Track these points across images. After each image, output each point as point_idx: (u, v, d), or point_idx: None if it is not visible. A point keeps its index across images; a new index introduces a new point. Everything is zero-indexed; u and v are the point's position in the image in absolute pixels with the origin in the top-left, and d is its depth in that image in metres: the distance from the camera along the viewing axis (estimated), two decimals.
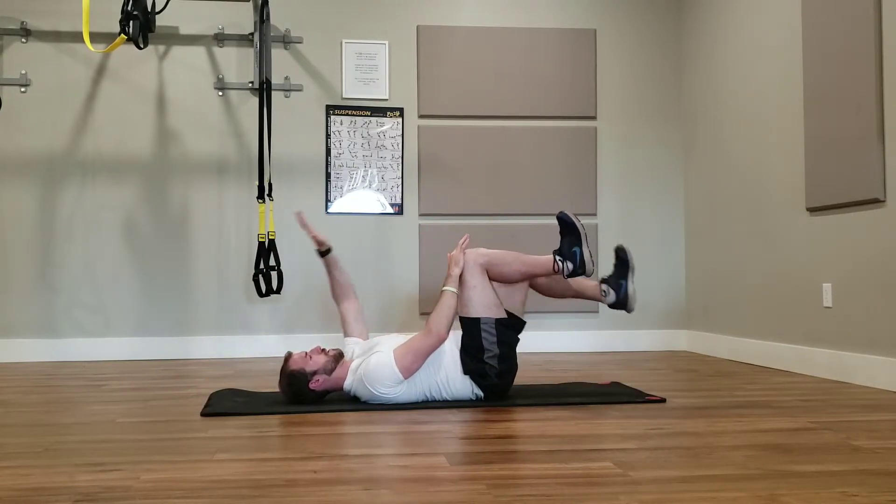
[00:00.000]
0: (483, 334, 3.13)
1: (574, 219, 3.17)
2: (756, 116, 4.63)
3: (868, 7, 3.59)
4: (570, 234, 3.17)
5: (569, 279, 3.22)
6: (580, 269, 3.14)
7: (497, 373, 3.14)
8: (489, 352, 3.12)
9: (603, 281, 3.31)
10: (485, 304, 3.16)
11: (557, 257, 3.17)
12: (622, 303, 3.26)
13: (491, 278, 3.24)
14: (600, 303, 3.34)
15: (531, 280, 3.34)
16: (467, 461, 2.19)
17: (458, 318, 3.28)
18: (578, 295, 3.38)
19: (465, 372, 3.13)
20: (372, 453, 2.30)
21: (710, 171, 5.22)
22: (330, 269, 3.55)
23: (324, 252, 3.51)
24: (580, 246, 3.12)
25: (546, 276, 3.31)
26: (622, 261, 3.30)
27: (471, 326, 3.15)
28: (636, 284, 3.31)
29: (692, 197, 5.50)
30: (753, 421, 2.73)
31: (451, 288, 3.14)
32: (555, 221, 3.27)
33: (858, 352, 3.69)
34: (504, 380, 3.18)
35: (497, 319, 3.16)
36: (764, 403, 3.12)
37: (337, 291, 3.56)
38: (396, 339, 3.23)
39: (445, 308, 3.09)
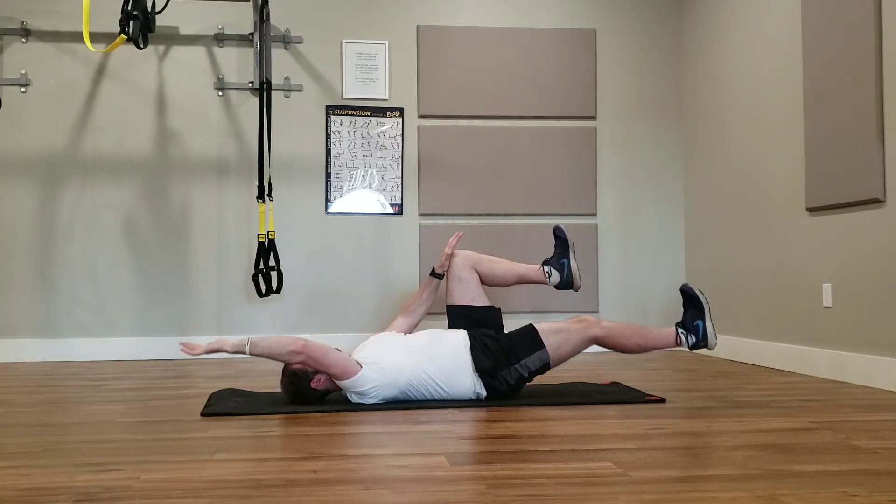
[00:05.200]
0: (534, 356, 3.14)
1: (698, 292, 3.20)
2: (756, 116, 4.63)
3: (868, 7, 3.59)
4: (693, 307, 3.20)
5: (510, 266, 3.43)
6: (703, 343, 3.17)
7: (510, 385, 3.16)
8: (521, 369, 3.14)
9: (545, 263, 3.45)
10: (559, 348, 3.17)
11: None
12: (567, 282, 3.40)
13: (483, 281, 3.44)
14: (545, 285, 3.45)
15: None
16: (467, 461, 2.19)
17: (453, 316, 3.37)
18: (522, 280, 3.47)
19: (477, 369, 3.13)
20: (372, 453, 2.30)
21: (710, 171, 5.22)
22: (428, 287, 3.55)
23: (439, 275, 3.52)
24: (703, 318, 3.17)
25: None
26: (561, 240, 3.46)
27: (533, 341, 3.16)
28: (578, 262, 3.45)
29: (692, 197, 5.50)
30: (753, 421, 2.73)
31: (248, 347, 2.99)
32: (554, 222, 3.33)
33: (858, 352, 3.69)
34: (512, 391, 3.19)
35: (549, 362, 3.18)
36: (764, 403, 3.12)
37: (411, 306, 3.55)
38: (388, 336, 3.31)
39: (269, 350, 3.00)
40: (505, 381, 3.14)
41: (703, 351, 5.07)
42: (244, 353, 2.95)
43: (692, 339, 3.14)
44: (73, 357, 5.10)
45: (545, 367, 3.18)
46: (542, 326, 3.20)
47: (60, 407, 3.18)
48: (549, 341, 3.15)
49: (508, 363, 3.14)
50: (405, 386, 3.08)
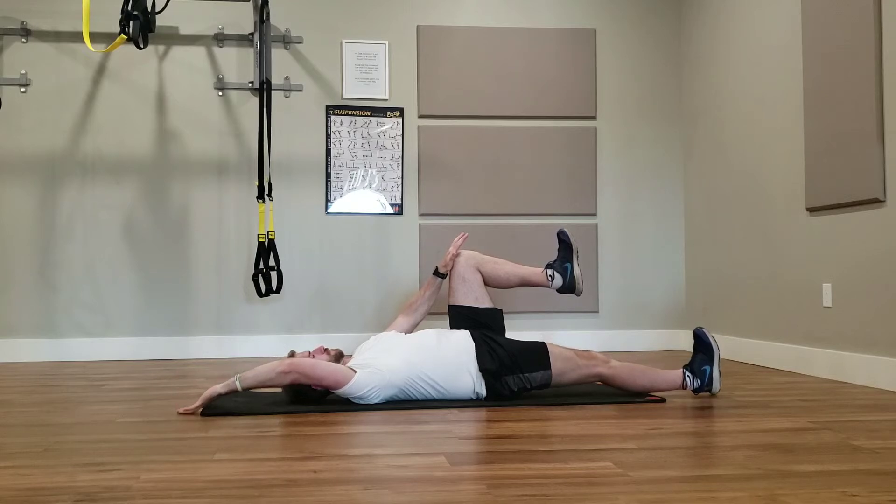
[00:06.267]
0: (538, 374, 3.15)
1: (711, 338, 3.23)
2: (756, 116, 4.63)
3: (868, 7, 3.59)
4: (703, 352, 3.23)
5: (514, 268, 3.45)
6: (569, 287, 3.27)
7: (512, 390, 3.16)
8: (524, 381, 3.15)
9: (548, 266, 3.46)
10: (563, 374, 3.19)
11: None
12: (570, 287, 3.41)
13: (486, 283, 3.45)
14: (546, 288, 3.48)
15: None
16: (467, 461, 2.19)
17: (455, 317, 3.38)
18: (524, 282, 3.48)
19: (482, 369, 3.13)
20: (372, 453, 2.30)
21: (710, 171, 5.22)
22: (430, 286, 3.56)
23: (442, 274, 3.52)
24: (711, 363, 3.20)
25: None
26: (565, 244, 3.47)
27: (540, 358, 3.17)
28: (581, 267, 3.50)
29: (692, 197, 5.50)
30: (753, 421, 2.73)
31: (238, 385, 2.96)
32: (554, 221, 3.33)
33: (858, 352, 3.69)
34: (514, 396, 3.19)
35: (549, 382, 3.19)
36: (764, 403, 3.12)
37: (413, 305, 3.55)
38: (388, 335, 3.31)
39: (257, 379, 2.96)
40: (507, 386, 3.14)
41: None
42: (237, 389, 2.93)
43: (697, 382, 3.19)
44: (73, 357, 5.10)
45: (545, 385, 3.20)
46: (553, 350, 3.20)
47: (60, 407, 3.18)
48: (556, 365, 3.16)
49: (512, 371, 3.14)
50: (403, 385, 3.08)
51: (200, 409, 2.94)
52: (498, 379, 3.13)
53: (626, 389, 3.27)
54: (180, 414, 2.95)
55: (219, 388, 2.96)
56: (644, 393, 3.27)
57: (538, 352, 3.18)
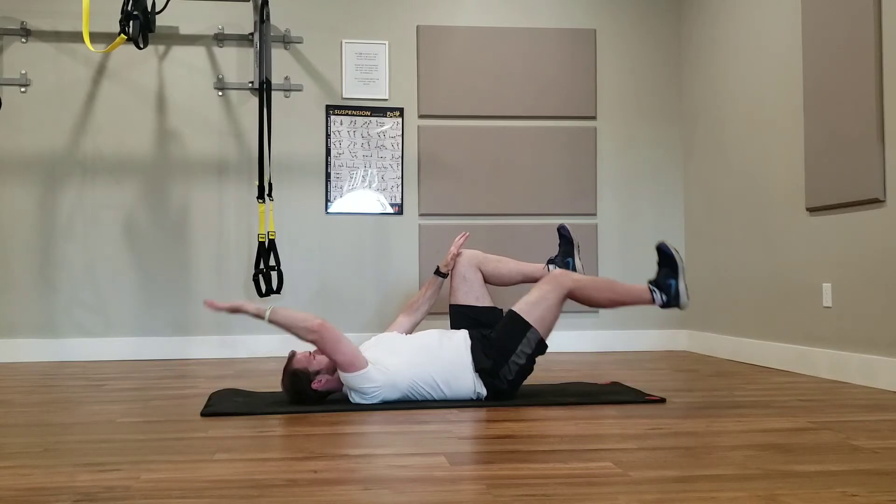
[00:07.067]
0: (524, 340, 3.14)
1: (674, 251, 3.23)
2: (756, 116, 4.63)
3: (868, 7, 3.59)
4: (667, 265, 3.21)
5: (516, 265, 3.48)
6: (674, 302, 3.20)
7: (510, 381, 3.15)
8: (518, 358, 3.13)
9: (550, 261, 3.49)
10: (544, 319, 3.17)
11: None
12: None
13: (487, 281, 3.46)
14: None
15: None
16: (467, 461, 2.19)
17: (456, 316, 3.38)
18: (526, 279, 3.49)
19: (478, 369, 3.12)
20: (372, 453, 2.30)
21: (710, 171, 5.22)
22: (431, 286, 3.56)
23: (443, 274, 3.53)
24: (677, 278, 3.19)
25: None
26: (566, 238, 3.52)
27: (516, 325, 3.15)
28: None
29: (692, 197, 5.50)
30: (753, 421, 2.73)
31: (268, 313, 3.02)
32: (554, 221, 3.34)
33: (858, 352, 3.69)
34: (513, 387, 3.18)
35: (542, 338, 3.19)
36: (764, 403, 3.12)
37: (414, 305, 3.55)
38: (389, 336, 3.31)
39: (288, 321, 3.01)
40: (505, 379, 3.14)
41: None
42: (263, 318, 2.98)
43: (664, 297, 3.16)
44: (73, 357, 5.10)
45: (540, 344, 3.17)
46: (521, 306, 3.18)
47: (60, 407, 3.18)
48: (533, 317, 3.15)
49: (505, 358, 3.13)
50: (407, 389, 3.09)
51: (224, 310, 3.01)
52: (495, 375, 3.13)
53: (594, 303, 3.27)
54: (206, 304, 3.01)
55: (250, 307, 3.01)
56: (610, 306, 3.30)
57: (513, 321, 3.17)
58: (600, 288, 3.27)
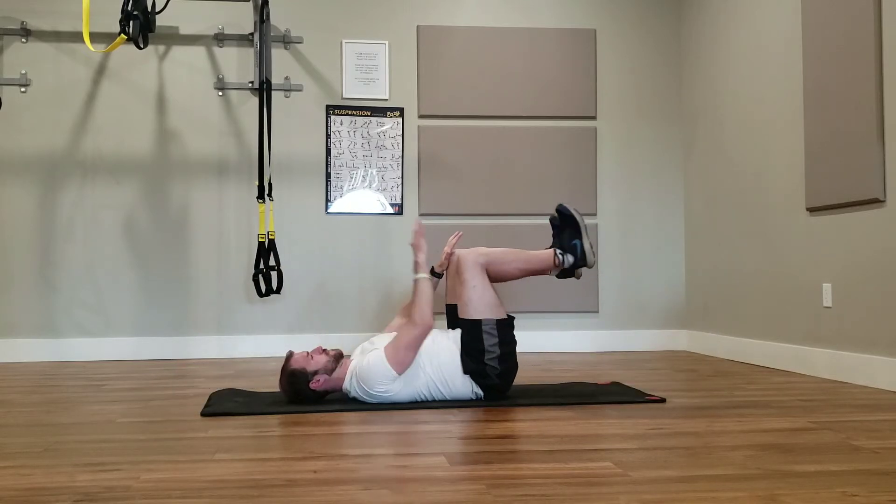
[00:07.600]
0: (484, 336, 3.13)
1: (573, 211, 3.19)
2: (756, 116, 4.63)
3: (868, 7, 3.59)
4: (569, 226, 3.18)
5: (517, 263, 3.35)
6: (581, 262, 3.17)
7: (498, 373, 3.15)
8: (490, 353, 3.13)
9: (556, 247, 3.33)
10: (486, 304, 3.17)
11: (558, 251, 3.28)
12: (582, 261, 3.26)
13: (491, 278, 3.30)
14: (550, 274, 3.36)
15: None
16: (467, 461, 2.19)
17: (452, 316, 3.35)
18: (532, 272, 3.39)
19: (466, 372, 3.13)
20: (372, 453, 2.30)
21: (710, 171, 5.22)
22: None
23: (438, 274, 3.50)
24: (580, 238, 3.14)
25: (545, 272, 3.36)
26: (568, 217, 3.32)
27: (472, 328, 3.16)
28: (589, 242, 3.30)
29: (692, 197, 5.50)
30: (753, 421, 2.73)
31: (422, 275, 3.19)
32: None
33: (858, 352, 3.69)
34: (504, 380, 3.18)
35: (498, 320, 3.17)
36: (764, 403, 3.12)
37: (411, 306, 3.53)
38: (389, 337, 3.27)
39: (423, 296, 3.13)
40: (493, 375, 3.13)
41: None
42: (416, 273, 3.17)
43: (570, 258, 3.16)
44: (73, 357, 5.10)
45: (500, 325, 3.15)
46: (462, 308, 3.19)
47: (60, 407, 3.18)
48: (478, 310, 3.15)
49: (481, 358, 3.12)
50: (415, 394, 3.10)
51: (413, 242, 3.22)
52: (484, 375, 3.13)
53: (506, 274, 3.27)
54: (417, 223, 3.29)
55: (421, 257, 3.20)
56: (522, 275, 3.29)
57: (466, 325, 3.16)
58: (510, 259, 3.27)
